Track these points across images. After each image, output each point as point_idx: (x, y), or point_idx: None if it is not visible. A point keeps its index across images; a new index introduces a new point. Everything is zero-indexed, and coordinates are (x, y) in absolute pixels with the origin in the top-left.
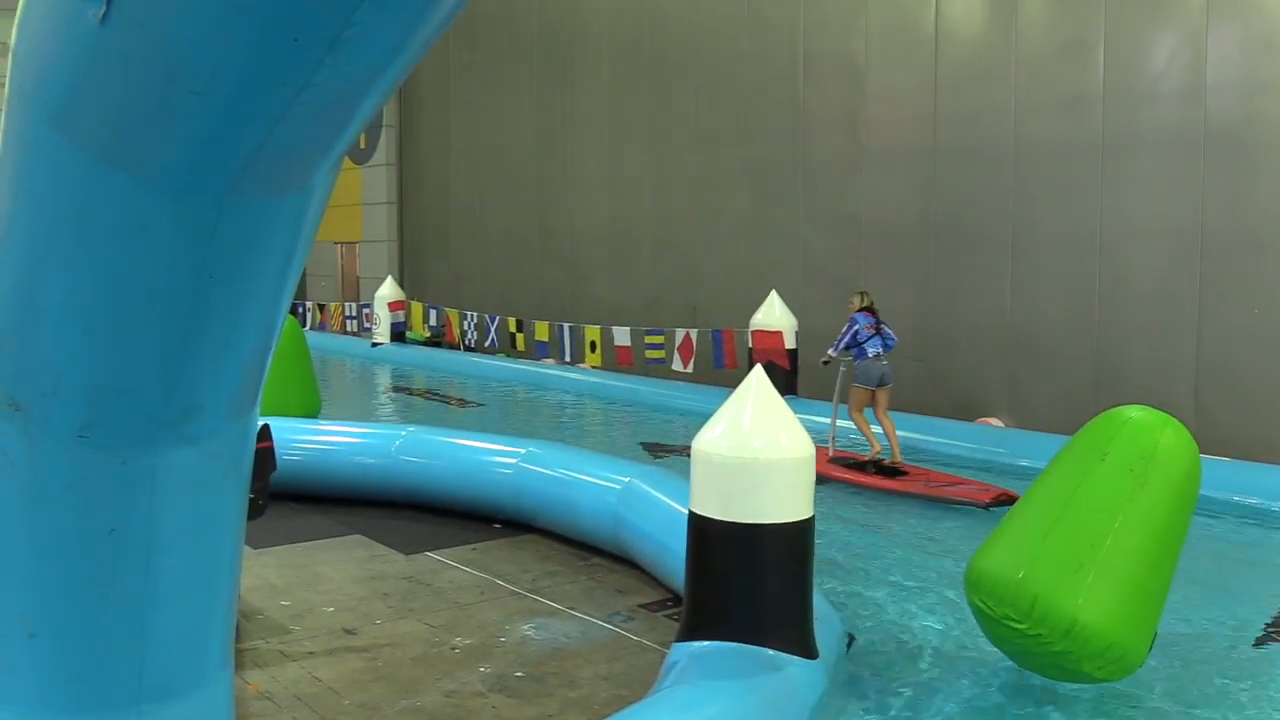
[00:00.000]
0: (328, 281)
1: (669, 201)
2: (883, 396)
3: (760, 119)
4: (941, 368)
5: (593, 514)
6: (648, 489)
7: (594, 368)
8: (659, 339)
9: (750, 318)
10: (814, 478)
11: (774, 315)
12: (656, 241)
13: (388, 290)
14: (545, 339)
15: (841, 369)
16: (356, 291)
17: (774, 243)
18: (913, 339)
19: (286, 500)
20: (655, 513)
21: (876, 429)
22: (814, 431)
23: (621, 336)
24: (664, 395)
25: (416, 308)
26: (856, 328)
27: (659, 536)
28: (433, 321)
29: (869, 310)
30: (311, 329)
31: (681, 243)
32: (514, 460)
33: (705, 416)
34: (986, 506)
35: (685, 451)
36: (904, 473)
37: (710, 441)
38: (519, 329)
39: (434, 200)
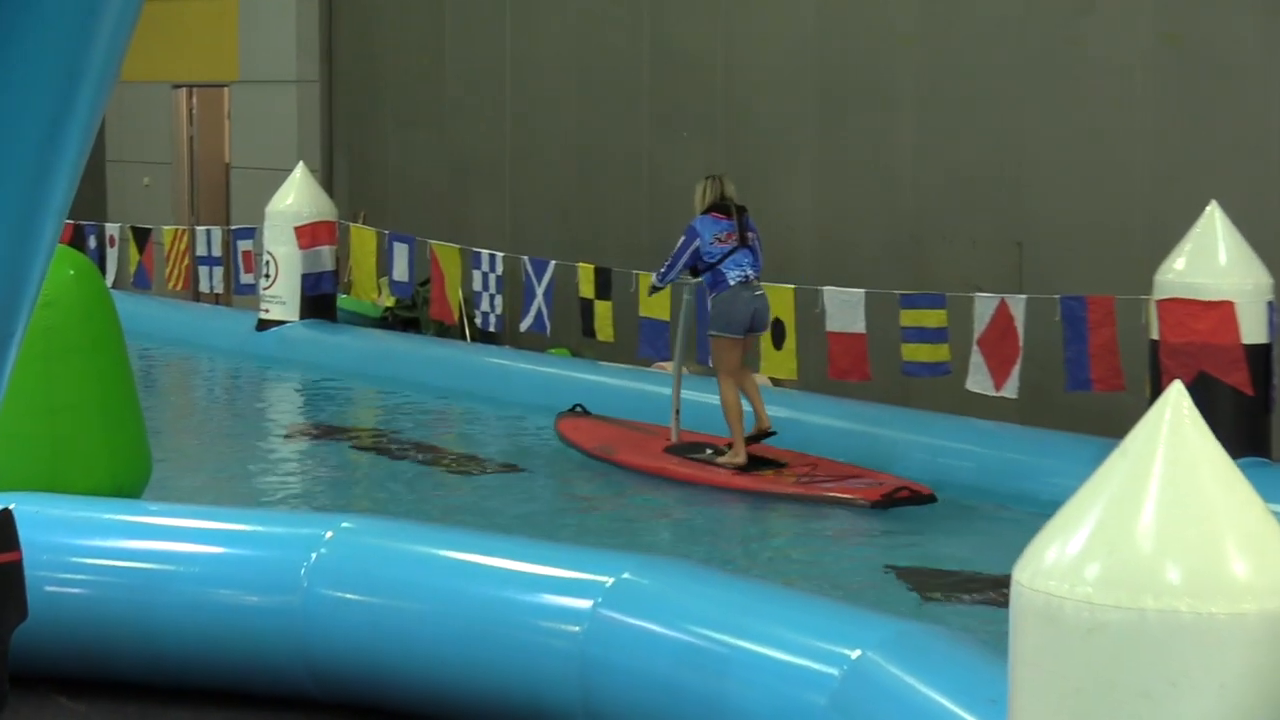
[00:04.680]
0: (157, 177)
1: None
2: (748, 343)
3: None
4: None
5: None
6: (905, 679)
7: (779, 384)
8: (934, 319)
9: (1154, 272)
10: None
11: (1215, 263)
12: (925, 93)
13: (297, 199)
14: (663, 317)
15: (685, 298)
16: (224, 202)
17: (1209, 90)
18: None
19: (54, 689)
20: None
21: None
22: None
23: (845, 314)
24: (946, 450)
25: (363, 239)
26: (697, 241)
27: None
28: (399, 273)
29: (721, 209)
30: (121, 287)
31: (986, 98)
32: (586, 604)
33: (1043, 506)
34: (872, 506)
35: (996, 593)
36: (779, 462)
37: (1059, 568)
38: (601, 293)
39: None
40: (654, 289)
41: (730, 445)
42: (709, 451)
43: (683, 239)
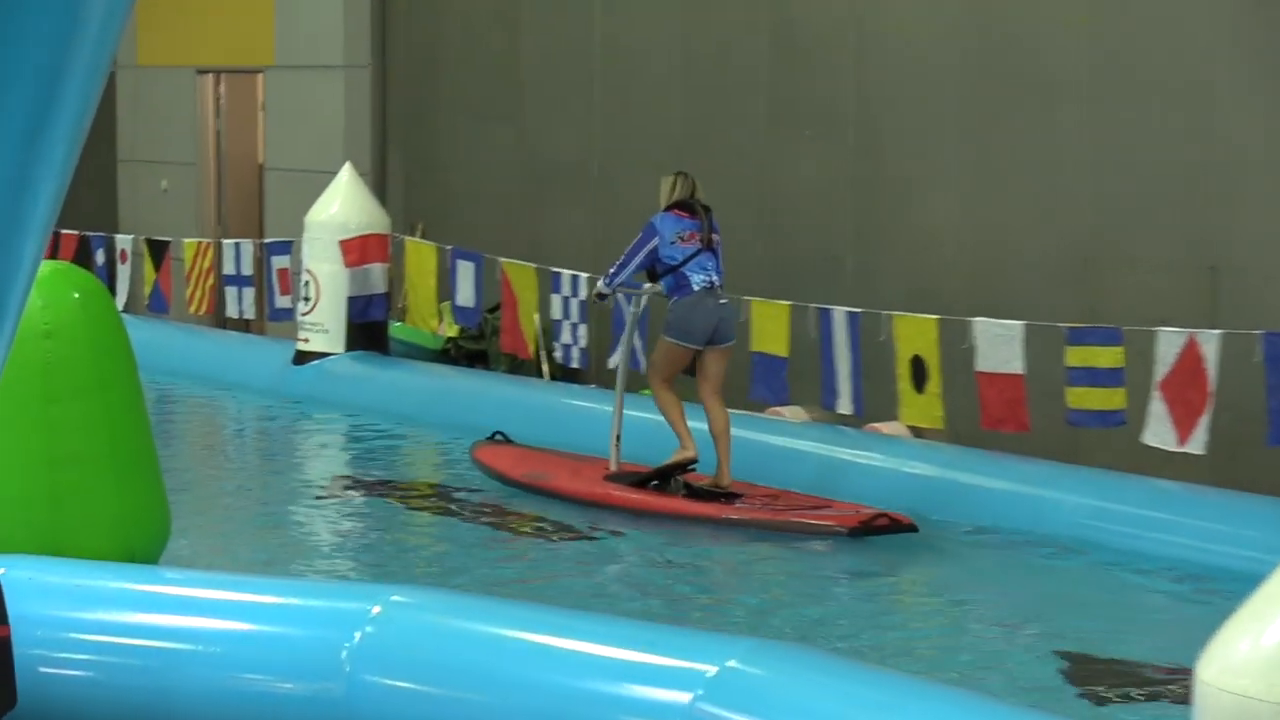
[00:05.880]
0: (178, 180)
1: None
2: (714, 364)
3: None
4: None
5: None
6: None
7: (920, 431)
8: (1107, 358)
9: None
10: None
11: None
12: (1099, 85)
13: (343, 207)
14: (781, 353)
15: (632, 310)
16: (257, 210)
17: None
18: None
19: None
20: None
21: (698, 425)
22: None
23: (1000, 351)
24: (1111, 513)
25: (421, 256)
26: (655, 240)
27: None
28: (464, 298)
29: (686, 208)
30: (134, 312)
31: (1174, 91)
32: (685, 697)
33: (1235, 584)
34: (850, 532)
35: (1179, 689)
36: (733, 495)
37: (1254, 664)
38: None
39: None
40: (600, 295)
41: (675, 464)
42: (667, 468)
43: (639, 236)
